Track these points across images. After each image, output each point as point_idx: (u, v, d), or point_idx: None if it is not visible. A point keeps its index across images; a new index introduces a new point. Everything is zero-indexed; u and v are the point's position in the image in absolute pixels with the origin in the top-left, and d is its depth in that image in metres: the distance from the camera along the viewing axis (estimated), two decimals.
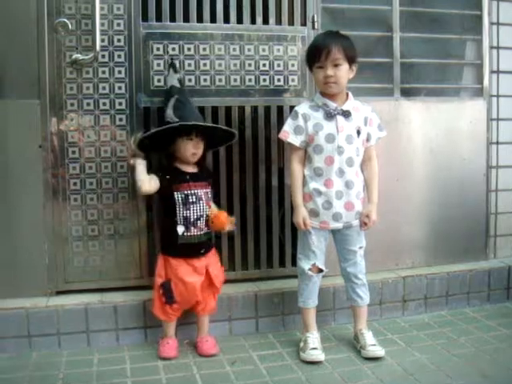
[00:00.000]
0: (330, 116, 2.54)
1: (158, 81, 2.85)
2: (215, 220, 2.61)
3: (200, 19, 2.90)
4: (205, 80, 2.91)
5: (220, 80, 2.93)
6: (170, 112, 2.59)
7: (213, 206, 2.70)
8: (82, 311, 2.73)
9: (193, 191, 2.60)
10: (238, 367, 2.55)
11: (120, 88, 2.81)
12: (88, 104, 2.79)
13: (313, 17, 3.01)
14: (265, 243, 3.08)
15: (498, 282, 3.28)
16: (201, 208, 2.61)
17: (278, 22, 3.00)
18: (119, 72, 2.81)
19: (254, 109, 3.01)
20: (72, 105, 2.77)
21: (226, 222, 2.63)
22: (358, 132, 2.58)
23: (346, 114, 2.56)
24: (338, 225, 2.61)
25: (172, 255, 2.62)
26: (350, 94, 2.61)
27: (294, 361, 2.61)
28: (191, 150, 2.60)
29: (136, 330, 2.79)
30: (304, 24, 3.02)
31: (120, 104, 2.82)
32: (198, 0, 2.87)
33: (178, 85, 2.67)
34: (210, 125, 2.72)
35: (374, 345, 2.61)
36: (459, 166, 3.31)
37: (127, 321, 2.77)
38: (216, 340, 2.74)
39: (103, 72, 2.80)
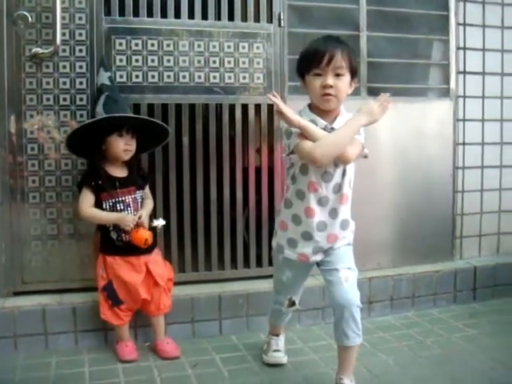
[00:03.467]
0: None
1: (121, 77, 2.79)
2: (133, 236, 2.51)
3: (164, 15, 2.84)
4: (168, 77, 2.85)
5: (184, 77, 2.87)
6: (99, 109, 2.54)
7: (144, 213, 2.59)
8: (40, 312, 2.65)
9: (120, 198, 2.55)
10: (199, 370, 2.49)
11: (81, 83, 2.74)
12: (48, 99, 2.72)
13: (279, 14, 2.98)
14: (229, 243, 3.02)
15: (465, 283, 3.27)
16: (130, 214, 2.55)
17: (244, 19, 2.95)
18: (80, 67, 2.74)
19: (219, 106, 2.96)
20: (31, 100, 2.70)
21: (143, 240, 2.51)
22: None
23: None
24: (318, 257, 2.24)
25: (109, 254, 2.57)
26: (342, 108, 2.20)
27: (257, 363, 2.55)
28: (122, 146, 2.52)
29: (95, 332, 2.71)
30: (270, 21, 2.98)
31: (81, 100, 2.75)
32: None
33: (108, 83, 2.61)
34: (139, 116, 2.62)
35: None
36: (426, 167, 3.30)
37: (86, 323, 2.70)
38: (177, 342, 2.67)
39: (64, 67, 2.72)
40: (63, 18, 2.68)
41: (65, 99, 2.73)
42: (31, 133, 2.71)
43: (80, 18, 2.73)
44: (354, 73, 2.16)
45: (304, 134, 2.08)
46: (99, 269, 2.60)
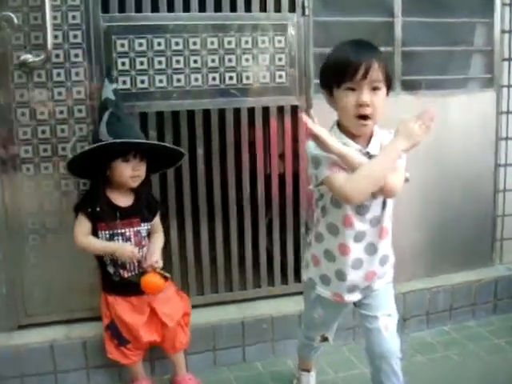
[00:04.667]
0: None
1: (124, 82, 2.44)
2: (144, 282, 2.21)
3: (171, 8, 2.46)
4: (178, 80, 2.49)
5: (196, 79, 2.51)
6: (103, 129, 2.19)
7: (157, 253, 2.30)
8: (47, 349, 2.41)
9: (119, 231, 2.24)
10: None
11: (79, 92, 2.39)
12: (42, 113, 2.38)
13: (303, 1, 2.58)
14: (250, 260, 2.75)
15: (505, 291, 3.01)
16: None
17: (263, 8, 2.56)
18: (77, 74, 2.38)
19: (237, 111, 2.61)
20: (23, 114, 2.36)
21: (155, 288, 2.22)
22: None
23: (371, 158, 1.82)
24: (355, 297, 1.98)
25: (109, 292, 2.30)
26: (375, 127, 1.86)
27: None
28: (129, 172, 2.20)
29: (108, 369, 2.46)
30: (293, 10, 2.59)
31: (80, 111, 2.41)
32: None
33: (112, 97, 2.25)
34: (145, 141, 2.24)
35: None
36: (465, 164, 2.97)
37: (98, 358, 2.44)
38: (197, 373, 2.46)
39: (58, 74, 2.37)
40: (54, 17, 2.31)
41: (61, 112, 2.40)
42: (25, 151, 2.39)
43: (74, 17, 2.35)
44: (390, 85, 1.84)
45: (336, 163, 1.76)
46: (102, 306, 2.34)
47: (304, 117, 1.74)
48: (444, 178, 2.95)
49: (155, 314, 2.29)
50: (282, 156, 2.73)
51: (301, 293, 2.73)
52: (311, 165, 1.84)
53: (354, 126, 1.80)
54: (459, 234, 3.01)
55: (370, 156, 1.80)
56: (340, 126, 1.86)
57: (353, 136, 1.83)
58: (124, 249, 2.20)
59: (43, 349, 2.41)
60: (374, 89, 1.76)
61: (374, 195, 1.82)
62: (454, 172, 2.96)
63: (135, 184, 2.24)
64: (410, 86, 2.80)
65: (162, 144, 2.31)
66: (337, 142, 1.75)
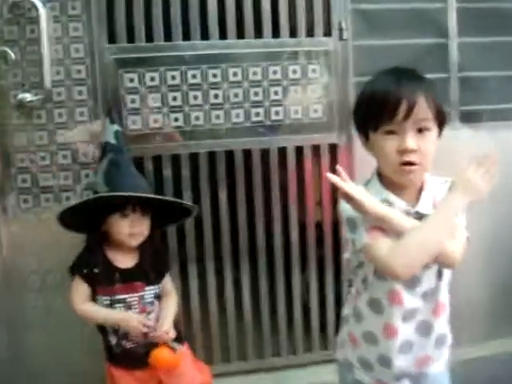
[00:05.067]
0: None
1: (134, 122, 2.14)
2: (154, 363, 1.87)
3: (187, 36, 2.16)
4: (196, 118, 2.17)
5: (217, 116, 2.19)
6: (99, 178, 1.90)
7: (168, 320, 1.93)
8: None
9: (120, 297, 1.89)
10: None
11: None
12: (43, 158, 2.11)
13: (340, 23, 2.24)
14: (284, 321, 2.38)
15: None
16: None
17: (293, 33, 2.23)
18: (81, 114, 2.11)
19: (265, 152, 2.27)
20: (22, 161, 2.09)
21: (167, 364, 1.88)
22: None
23: (423, 218, 1.46)
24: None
25: (111, 363, 1.96)
26: (426, 176, 1.51)
27: None
28: (127, 230, 1.87)
29: None
30: (329, 34, 2.25)
31: (85, 156, 2.12)
32: (183, 10, 2.14)
33: (113, 140, 1.94)
34: (143, 195, 1.87)
35: None
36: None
37: None
38: None
39: (60, 115, 2.09)
40: (56, 51, 2.06)
41: (65, 156, 2.12)
42: (24, 201, 2.12)
43: (77, 50, 2.08)
44: (442, 123, 1.46)
45: (378, 227, 1.39)
46: (107, 378, 2.00)
47: (330, 175, 1.39)
48: (509, 224, 2.51)
49: None
50: (319, 203, 2.36)
51: None
52: (347, 228, 1.48)
53: (397, 176, 1.44)
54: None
55: (420, 216, 1.44)
56: (381, 178, 1.50)
57: (398, 190, 1.46)
58: (129, 320, 1.86)
59: None
60: (421, 130, 1.41)
61: (427, 266, 1.43)
62: None
63: (135, 243, 1.90)
64: (469, 118, 2.39)
65: (166, 199, 1.99)
66: (375, 202, 1.39)
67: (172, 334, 1.92)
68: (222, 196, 2.26)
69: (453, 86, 2.38)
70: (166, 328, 1.90)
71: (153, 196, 1.89)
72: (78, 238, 1.94)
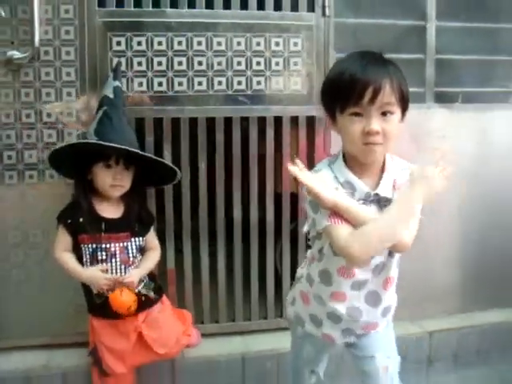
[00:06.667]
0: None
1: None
2: (113, 300, 1.93)
3: (174, 4, 2.22)
4: (180, 84, 2.24)
5: (200, 83, 2.26)
6: (91, 128, 1.98)
7: (138, 271, 2.02)
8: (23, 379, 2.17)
9: (103, 245, 1.96)
10: None
11: (69, 94, 2.17)
12: (28, 115, 2.16)
13: (323, 0, 2.32)
14: (257, 287, 2.46)
15: None
16: (114, 267, 1.98)
17: (278, 7, 2.30)
18: (68, 74, 2.16)
19: (245, 120, 2.34)
20: (7, 116, 2.15)
21: (125, 307, 1.94)
22: None
23: (382, 202, 1.54)
24: (349, 339, 1.72)
25: (93, 314, 2.04)
26: (387, 157, 1.58)
27: None
28: (109, 180, 1.95)
29: None
30: (312, 10, 2.32)
31: (69, 115, 2.18)
32: None
33: (111, 95, 2.01)
34: (124, 147, 1.92)
35: None
36: (508, 186, 2.63)
37: None
38: None
39: (47, 74, 2.15)
40: (45, 11, 2.12)
41: (49, 115, 2.17)
42: (9, 157, 2.17)
43: (66, 11, 2.15)
44: (405, 107, 1.52)
45: (338, 213, 1.47)
46: (90, 329, 2.09)
47: (291, 167, 1.46)
48: (480, 205, 2.61)
49: (143, 339, 2.04)
50: None
51: None
52: (308, 207, 1.56)
53: (361, 155, 1.51)
54: (496, 269, 2.65)
55: (379, 198, 1.53)
56: (345, 158, 1.57)
57: (360, 171, 1.54)
58: (96, 278, 1.94)
59: (18, 378, 2.17)
60: (385, 113, 1.47)
61: None
62: (492, 199, 2.61)
63: (116, 194, 1.99)
64: (444, 99, 2.48)
65: (150, 156, 2.05)
66: (333, 192, 1.47)
67: (135, 279, 1.98)
68: (202, 162, 2.32)
69: (429, 68, 2.47)
70: (131, 279, 1.97)
71: (133, 150, 1.94)
72: None
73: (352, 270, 1.57)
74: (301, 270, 1.79)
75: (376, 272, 1.59)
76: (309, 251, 1.74)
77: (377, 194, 1.53)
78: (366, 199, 1.52)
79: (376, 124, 1.45)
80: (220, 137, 2.30)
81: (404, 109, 1.51)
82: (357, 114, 1.46)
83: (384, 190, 1.53)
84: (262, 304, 2.49)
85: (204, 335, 2.39)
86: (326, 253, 1.61)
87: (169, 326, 2.13)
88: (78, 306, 2.18)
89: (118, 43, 2.18)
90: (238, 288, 2.44)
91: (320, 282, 1.64)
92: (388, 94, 1.44)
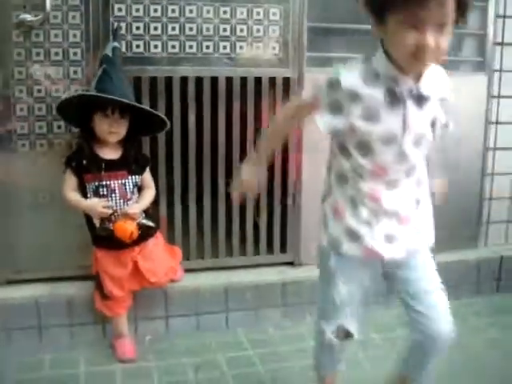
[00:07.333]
0: (396, 101, 1.50)
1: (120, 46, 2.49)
2: (116, 227, 2.26)
3: None
4: (173, 47, 2.54)
5: (190, 47, 2.56)
6: (93, 84, 2.29)
7: (137, 205, 2.35)
8: (33, 306, 2.48)
9: (104, 182, 2.29)
10: (202, 374, 2.33)
11: (75, 54, 2.45)
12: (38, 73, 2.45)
13: None
14: (237, 228, 2.80)
15: (489, 274, 3.04)
16: (114, 201, 2.30)
17: None
18: (74, 36, 2.45)
19: (229, 80, 2.65)
20: (20, 73, 2.43)
21: (127, 233, 2.26)
22: (433, 125, 1.60)
23: (422, 100, 1.53)
24: (395, 252, 1.64)
25: (97, 246, 2.38)
26: None
27: (265, 367, 2.38)
28: (106, 128, 2.26)
29: (93, 326, 2.53)
30: None
31: (75, 73, 2.47)
32: None
33: (110, 54, 2.31)
34: (118, 98, 2.20)
35: None
36: (453, 147, 2.94)
37: (83, 315, 2.52)
38: (181, 336, 2.57)
39: (56, 35, 2.43)
40: None
41: (57, 72, 2.46)
42: (21, 110, 2.46)
43: None
44: (459, 18, 1.42)
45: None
46: (93, 258, 2.42)
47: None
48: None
49: (138, 268, 2.37)
50: None
51: (286, 263, 2.80)
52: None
53: (407, 66, 1.46)
54: (444, 216, 3.01)
55: (419, 97, 1.51)
56: (388, 54, 1.48)
57: (401, 68, 1.47)
58: (95, 207, 2.26)
59: (28, 304, 2.47)
60: (441, 26, 1.37)
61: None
62: (443, 155, 2.98)
63: (113, 139, 2.29)
64: None
65: (140, 106, 2.35)
66: None
67: (138, 216, 2.32)
68: (191, 116, 2.64)
69: None
70: (133, 210, 2.31)
71: (125, 100, 2.22)
72: None
73: (386, 169, 1.57)
74: (325, 188, 1.72)
75: (408, 173, 1.60)
76: (332, 154, 1.69)
77: (418, 91, 1.50)
78: (409, 93, 1.49)
79: (431, 39, 1.36)
80: (207, 94, 2.62)
81: (457, 21, 1.42)
82: (413, 27, 1.37)
83: (426, 88, 1.52)
84: (243, 242, 2.82)
85: (191, 270, 2.72)
86: (350, 149, 1.58)
87: (160, 259, 2.47)
88: (81, 242, 2.51)
89: (119, 9, 2.47)
90: (221, 228, 2.77)
91: (356, 175, 1.59)
92: (447, 8, 1.36)
